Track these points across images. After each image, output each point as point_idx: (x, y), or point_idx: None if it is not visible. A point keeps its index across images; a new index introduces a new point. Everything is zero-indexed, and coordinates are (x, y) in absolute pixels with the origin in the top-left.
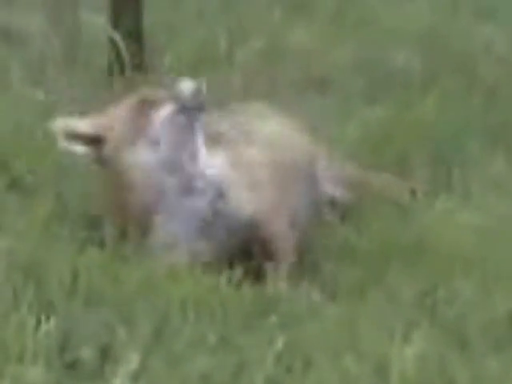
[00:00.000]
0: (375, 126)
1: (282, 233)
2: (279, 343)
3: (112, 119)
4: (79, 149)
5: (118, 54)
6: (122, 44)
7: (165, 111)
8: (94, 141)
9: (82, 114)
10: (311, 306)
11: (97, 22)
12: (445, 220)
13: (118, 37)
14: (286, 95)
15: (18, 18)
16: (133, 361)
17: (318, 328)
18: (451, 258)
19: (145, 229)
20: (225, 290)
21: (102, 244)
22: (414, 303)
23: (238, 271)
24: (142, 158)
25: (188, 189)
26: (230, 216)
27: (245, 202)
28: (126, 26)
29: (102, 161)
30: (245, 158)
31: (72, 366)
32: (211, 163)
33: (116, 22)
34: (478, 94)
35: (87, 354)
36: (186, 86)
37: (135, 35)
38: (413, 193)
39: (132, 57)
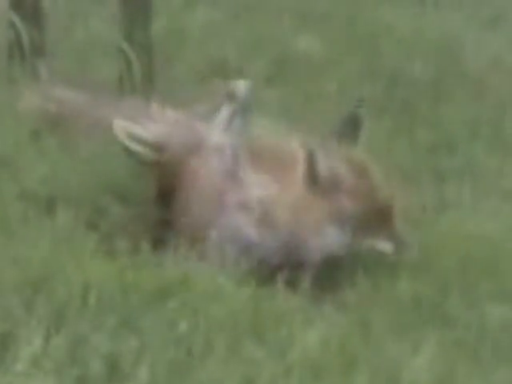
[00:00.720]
0: (383, 138)
1: (313, 257)
2: (288, 356)
3: (171, 126)
4: (140, 149)
5: (129, 65)
6: (132, 55)
7: (223, 114)
8: (155, 147)
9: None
10: (322, 316)
11: (107, 33)
12: (454, 231)
13: (128, 47)
14: (297, 107)
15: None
16: (142, 374)
17: (327, 338)
18: (461, 268)
19: (196, 244)
20: (237, 302)
21: (113, 255)
22: (423, 313)
23: (252, 285)
24: (208, 166)
25: (243, 204)
26: (271, 238)
27: (285, 225)
28: (137, 36)
29: (161, 166)
30: (280, 177)
31: (81, 378)
32: (256, 180)
33: (126, 33)
34: (488, 105)
35: (96, 367)
36: (242, 86)
37: (145, 46)
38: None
39: (142, 67)
